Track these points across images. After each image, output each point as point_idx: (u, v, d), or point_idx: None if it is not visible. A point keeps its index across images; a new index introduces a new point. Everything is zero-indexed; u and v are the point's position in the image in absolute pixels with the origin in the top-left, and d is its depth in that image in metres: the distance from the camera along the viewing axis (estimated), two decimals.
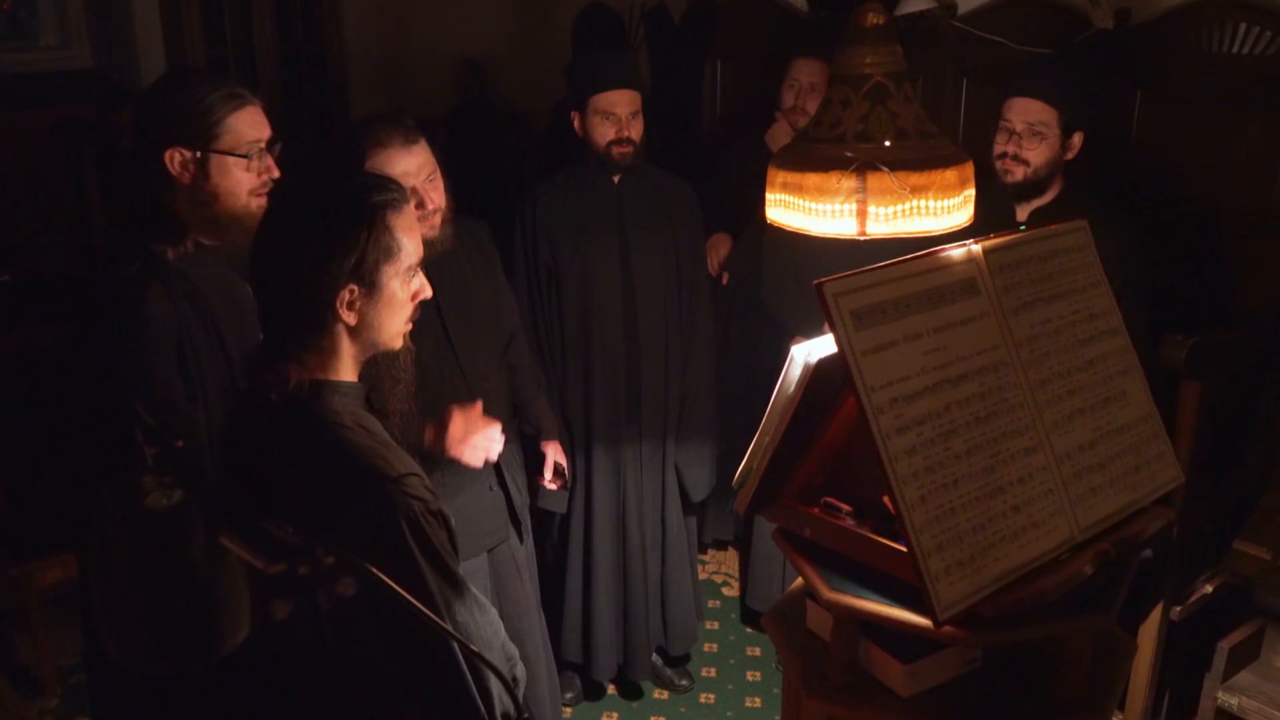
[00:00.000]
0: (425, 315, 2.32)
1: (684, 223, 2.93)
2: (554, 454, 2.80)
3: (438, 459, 2.37)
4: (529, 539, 2.70)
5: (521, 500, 2.61)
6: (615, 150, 2.74)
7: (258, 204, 1.84)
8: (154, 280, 1.76)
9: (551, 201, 2.83)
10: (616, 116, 2.72)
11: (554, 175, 2.90)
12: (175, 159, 1.78)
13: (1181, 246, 2.90)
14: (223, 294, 1.87)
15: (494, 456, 2.25)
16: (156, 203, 1.81)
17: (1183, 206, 2.91)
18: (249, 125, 1.82)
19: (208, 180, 1.80)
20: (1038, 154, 2.55)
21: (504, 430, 2.52)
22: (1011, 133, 2.57)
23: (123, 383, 1.73)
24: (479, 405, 2.22)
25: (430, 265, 2.29)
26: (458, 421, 2.18)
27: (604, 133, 2.74)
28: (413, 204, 2.14)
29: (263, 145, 1.85)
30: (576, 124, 2.79)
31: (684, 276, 2.93)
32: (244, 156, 1.81)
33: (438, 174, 2.26)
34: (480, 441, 2.21)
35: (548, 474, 2.79)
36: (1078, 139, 2.59)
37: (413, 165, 2.18)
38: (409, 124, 2.23)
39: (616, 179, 2.83)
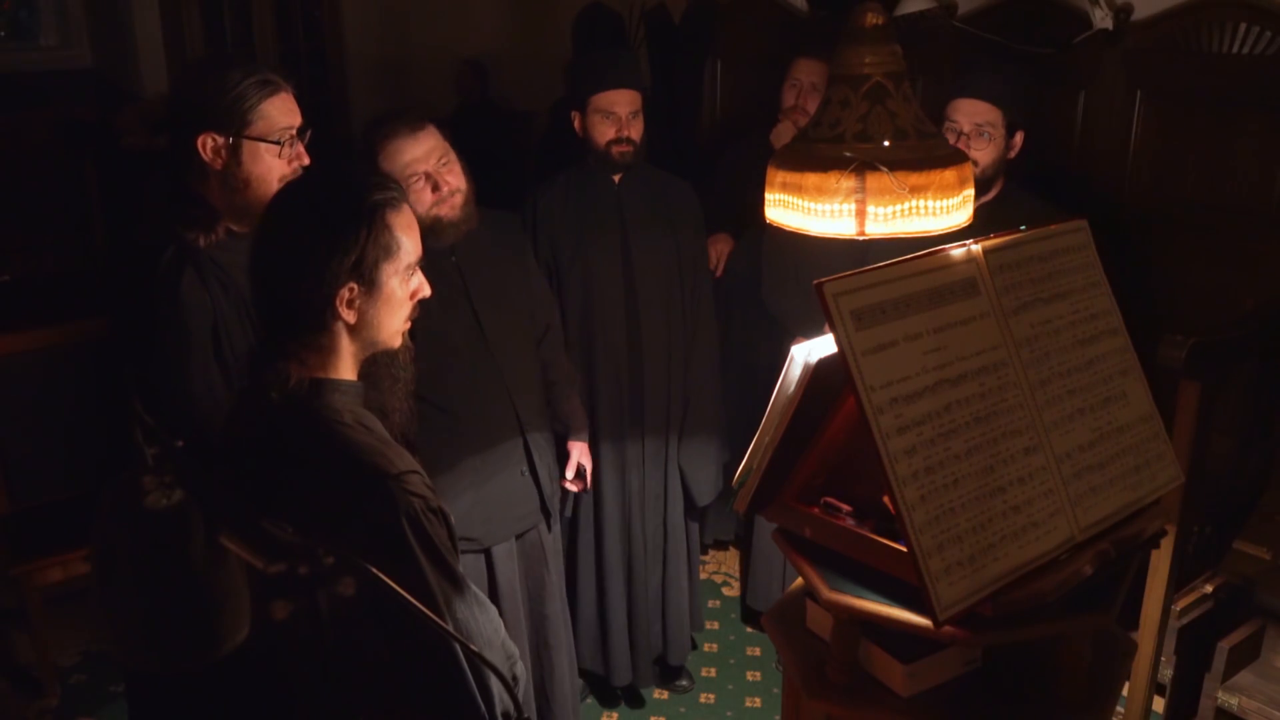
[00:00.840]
0: (456, 301, 2.39)
1: (685, 223, 2.93)
2: (578, 454, 2.80)
3: (469, 446, 2.41)
4: (557, 529, 2.72)
5: (552, 489, 2.63)
6: (615, 150, 2.75)
7: None
8: (187, 267, 1.77)
9: (552, 201, 2.84)
10: (616, 116, 2.72)
11: (555, 175, 2.90)
12: (208, 144, 1.79)
13: (1181, 247, 2.90)
14: None
15: None
16: (188, 189, 1.82)
17: (1183, 206, 2.91)
18: (281, 112, 1.83)
19: (239, 166, 1.81)
20: (985, 154, 2.60)
21: (535, 419, 2.54)
22: (959, 134, 2.62)
23: (162, 369, 1.74)
24: None
25: (457, 248, 2.37)
26: None
27: (604, 132, 2.74)
28: (429, 188, 2.24)
29: (294, 132, 1.85)
30: (577, 123, 2.80)
31: (685, 276, 2.94)
32: (276, 143, 1.82)
33: (452, 156, 2.32)
34: None
35: (569, 473, 2.79)
36: (1019, 138, 2.65)
37: (421, 151, 2.26)
38: (414, 113, 2.31)
39: (617, 179, 2.83)
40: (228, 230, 1.84)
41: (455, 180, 2.31)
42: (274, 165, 1.83)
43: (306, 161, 1.88)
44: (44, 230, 5.08)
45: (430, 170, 2.26)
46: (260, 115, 1.80)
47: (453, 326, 2.40)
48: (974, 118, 2.59)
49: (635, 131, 2.75)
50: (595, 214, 2.82)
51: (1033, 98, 2.81)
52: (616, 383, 2.88)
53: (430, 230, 2.33)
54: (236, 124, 1.79)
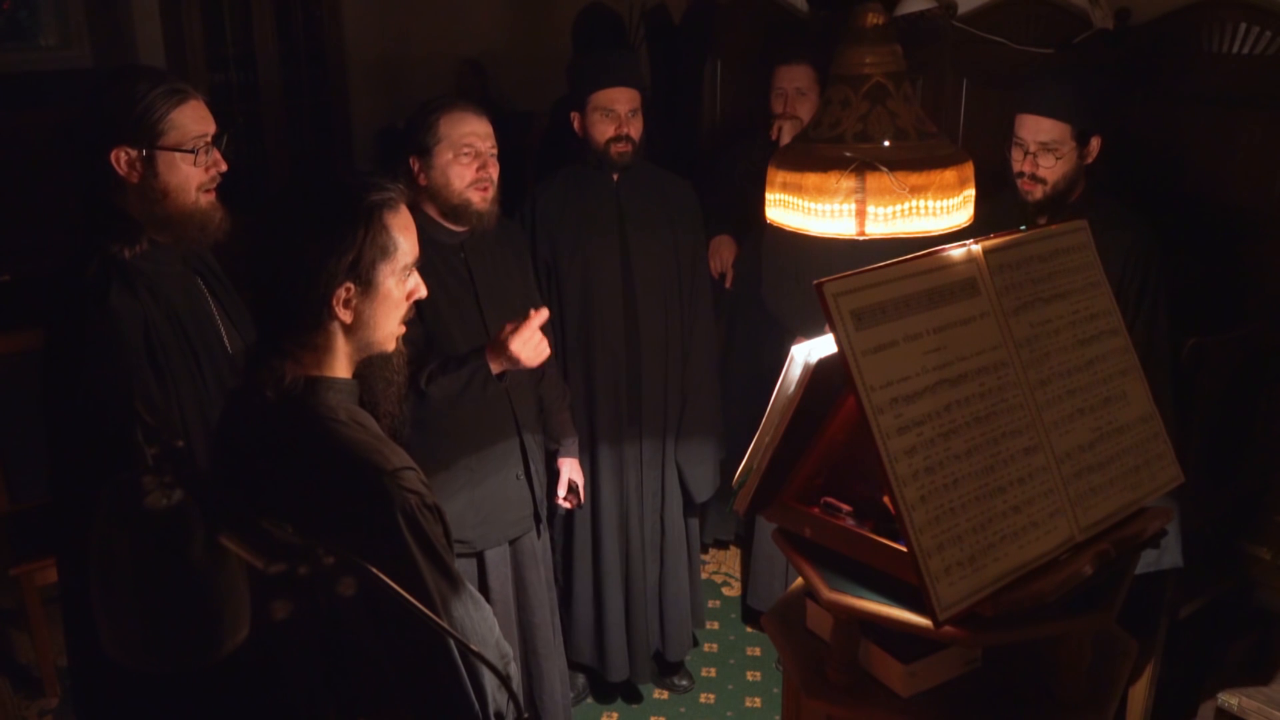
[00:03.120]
0: (462, 296, 2.44)
1: (684, 222, 2.93)
2: (569, 471, 2.80)
3: (465, 445, 2.43)
4: (546, 535, 2.72)
5: (542, 494, 2.63)
6: (614, 148, 2.75)
7: (207, 199, 1.85)
8: (114, 278, 1.77)
9: (551, 200, 2.84)
10: (616, 114, 2.73)
11: (553, 174, 2.90)
12: (122, 158, 1.78)
13: (1182, 246, 2.90)
14: (180, 289, 1.89)
15: (543, 355, 2.31)
16: (108, 203, 1.81)
17: (1183, 206, 2.91)
18: (192, 120, 1.82)
19: (156, 178, 1.80)
20: (1054, 171, 2.44)
21: (531, 422, 2.56)
22: (1026, 151, 2.47)
23: (97, 381, 1.73)
24: (531, 314, 2.29)
25: (467, 244, 2.44)
26: (509, 327, 2.28)
27: (603, 130, 2.74)
28: (475, 165, 2.34)
29: (208, 139, 1.84)
30: (576, 123, 2.80)
31: (684, 275, 2.94)
32: (190, 152, 1.81)
33: (497, 154, 2.42)
34: (530, 337, 2.27)
35: (561, 491, 2.79)
36: (1095, 143, 2.47)
37: (482, 129, 2.37)
38: (479, 104, 2.45)
39: (616, 177, 2.83)
40: (151, 241, 1.84)
41: (495, 174, 2.41)
42: (191, 174, 1.82)
43: (224, 168, 1.88)
44: (44, 230, 5.07)
45: (482, 150, 2.36)
46: (171, 125, 1.79)
47: (458, 323, 2.42)
48: (1038, 136, 2.43)
49: (634, 130, 2.76)
50: (594, 212, 2.83)
51: (1106, 99, 2.62)
52: (614, 380, 2.88)
53: (455, 210, 2.38)
54: (148, 136, 1.78)
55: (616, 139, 2.74)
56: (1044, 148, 2.44)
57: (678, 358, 2.96)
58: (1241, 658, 2.50)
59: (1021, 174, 2.49)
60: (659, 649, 3.18)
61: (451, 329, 2.41)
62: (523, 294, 2.60)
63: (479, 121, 2.37)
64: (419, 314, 2.34)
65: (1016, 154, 2.51)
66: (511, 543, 2.58)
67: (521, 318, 2.56)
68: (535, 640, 2.65)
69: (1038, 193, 2.49)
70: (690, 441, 3.02)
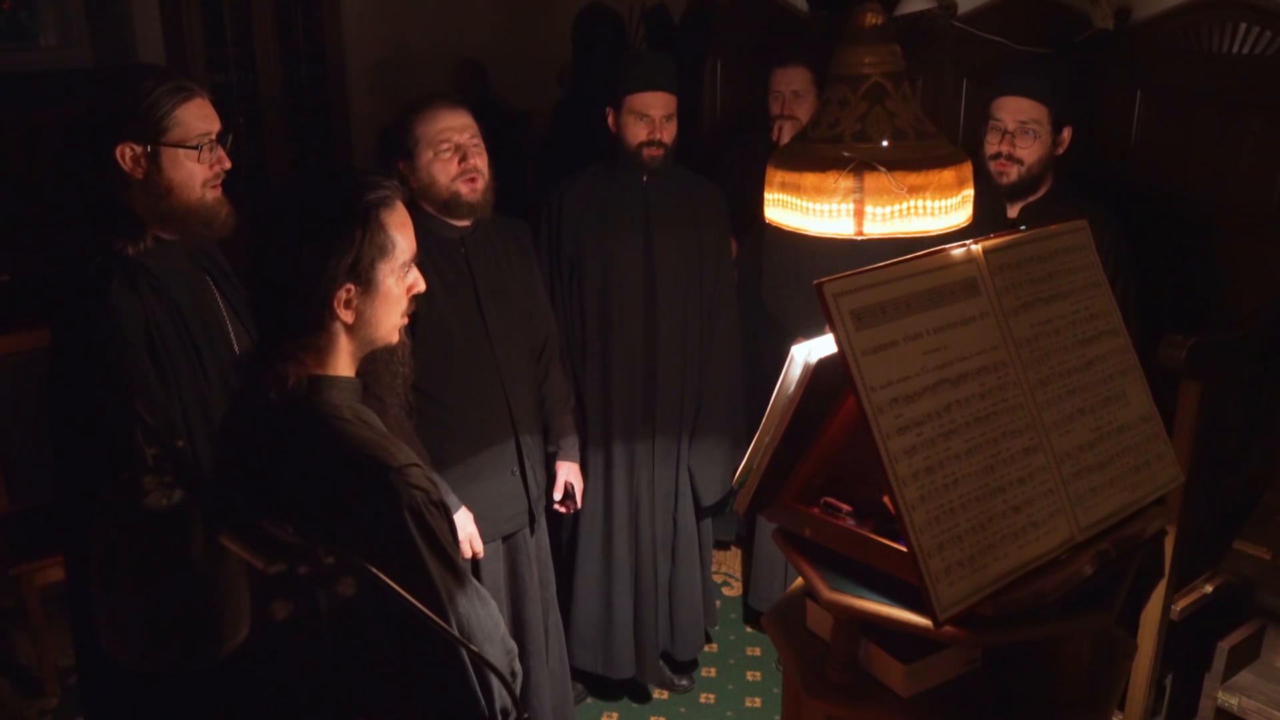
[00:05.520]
0: (461, 291, 2.43)
1: (709, 224, 2.92)
2: (566, 474, 2.80)
3: (461, 442, 2.44)
4: (541, 532, 2.72)
5: (538, 492, 2.63)
6: (646, 152, 2.75)
7: (212, 195, 1.87)
8: (115, 275, 1.78)
9: (578, 195, 2.84)
10: (650, 118, 2.72)
11: (582, 170, 2.90)
12: (127, 154, 1.80)
13: (1181, 246, 2.89)
14: (185, 286, 1.90)
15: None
16: (112, 200, 1.82)
17: (1183, 206, 2.91)
18: (197, 117, 1.84)
19: (160, 174, 1.81)
20: (1031, 152, 2.55)
21: (528, 420, 2.56)
22: (1003, 132, 2.57)
23: (97, 378, 1.74)
24: None
25: (467, 240, 2.44)
26: None
27: (636, 133, 2.74)
28: (456, 159, 2.33)
29: (213, 137, 1.86)
30: (610, 120, 2.80)
31: (707, 277, 2.93)
32: (194, 148, 1.83)
33: (482, 144, 2.40)
34: None
35: (557, 494, 2.79)
36: (1067, 134, 2.59)
37: (457, 122, 2.35)
38: (455, 97, 2.44)
39: (645, 178, 2.83)
40: (155, 238, 1.85)
41: (481, 163, 2.39)
42: (195, 171, 1.83)
43: (228, 165, 1.89)
44: (44, 230, 5.07)
45: (462, 142, 2.35)
46: (176, 122, 1.81)
47: (456, 317, 2.42)
48: (1018, 115, 2.54)
49: (668, 135, 2.75)
50: (621, 210, 2.82)
51: (1081, 92, 2.73)
52: (631, 378, 2.88)
53: (446, 205, 2.38)
54: (153, 132, 1.79)
55: (649, 143, 2.73)
56: (1022, 127, 2.54)
57: (696, 358, 2.95)
58: (1241, 657, 2.50)
59: (998, 154, 2.58)
60: (668, 649, 3.18)
61: (449, 322, 2.41)
62: (524, 293, 2.59)
63: (453, 115, 2.36)
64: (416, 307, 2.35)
65: (993, 137, 2.59)
66: (505, 539, 2.58)
67: (520, 315, 2.55)
68: (525, 639, 2.65)
69: (1012, 174, 2.57)
70: (703, 443, 3.01)
